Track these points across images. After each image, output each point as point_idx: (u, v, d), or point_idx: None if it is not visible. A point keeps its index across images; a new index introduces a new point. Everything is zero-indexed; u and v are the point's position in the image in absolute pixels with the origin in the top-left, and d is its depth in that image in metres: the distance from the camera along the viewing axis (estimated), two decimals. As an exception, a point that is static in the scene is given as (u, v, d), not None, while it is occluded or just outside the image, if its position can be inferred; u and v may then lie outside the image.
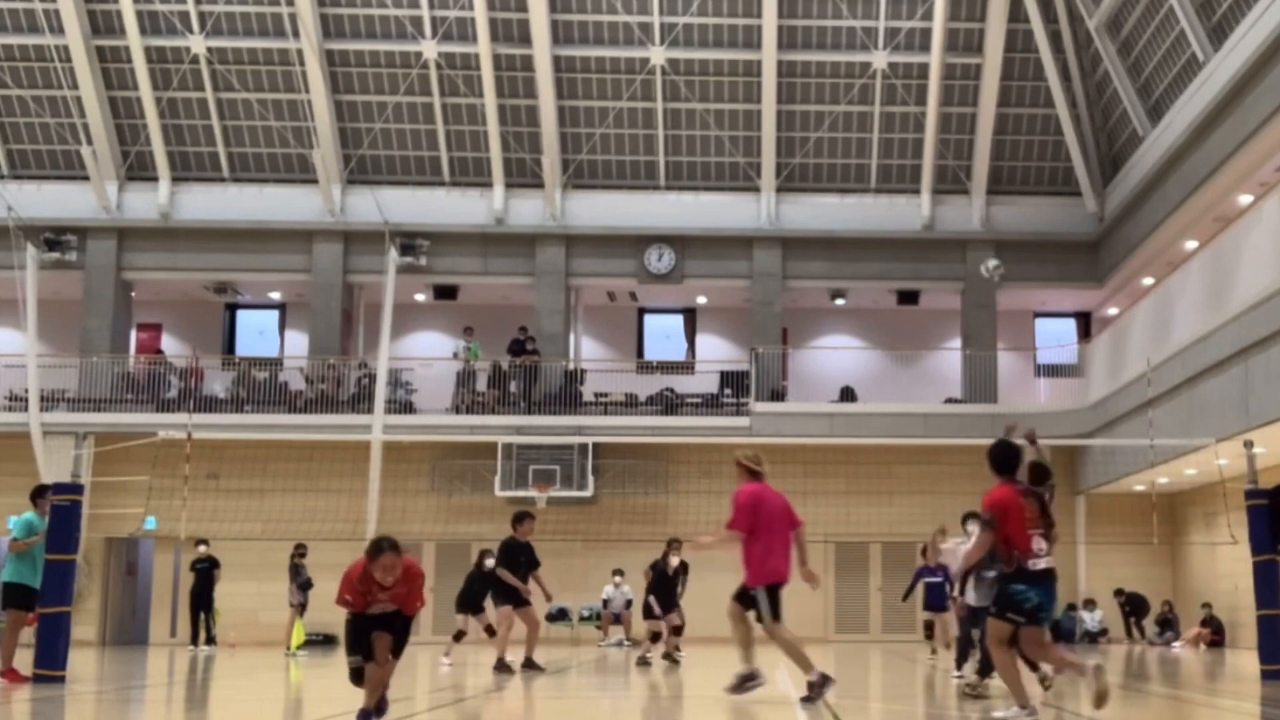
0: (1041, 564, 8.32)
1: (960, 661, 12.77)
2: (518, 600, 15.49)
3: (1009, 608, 8.35)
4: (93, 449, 22.75)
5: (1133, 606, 26.37)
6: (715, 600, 25.06)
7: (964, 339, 28.70)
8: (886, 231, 28.63)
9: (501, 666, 14.83)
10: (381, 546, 7.88)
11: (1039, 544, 8.35)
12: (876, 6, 27.23)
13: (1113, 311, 28.35)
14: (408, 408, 27.51)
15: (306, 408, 27.17)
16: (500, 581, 15.64)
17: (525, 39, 27.37)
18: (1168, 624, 25.61)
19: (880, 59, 27.54)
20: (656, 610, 17.73)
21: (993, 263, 16.46)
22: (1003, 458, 8.62)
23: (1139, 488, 24.86)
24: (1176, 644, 24.54)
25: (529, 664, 15.10)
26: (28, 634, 14.09)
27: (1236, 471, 17.41)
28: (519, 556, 15.61)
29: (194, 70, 27.90)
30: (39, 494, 13.69)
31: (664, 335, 30.87)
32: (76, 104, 27.90)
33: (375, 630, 8.09)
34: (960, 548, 14.28)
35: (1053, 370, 29.00)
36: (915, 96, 27.96)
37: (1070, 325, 30.81)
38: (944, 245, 28.70)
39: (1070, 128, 27.57)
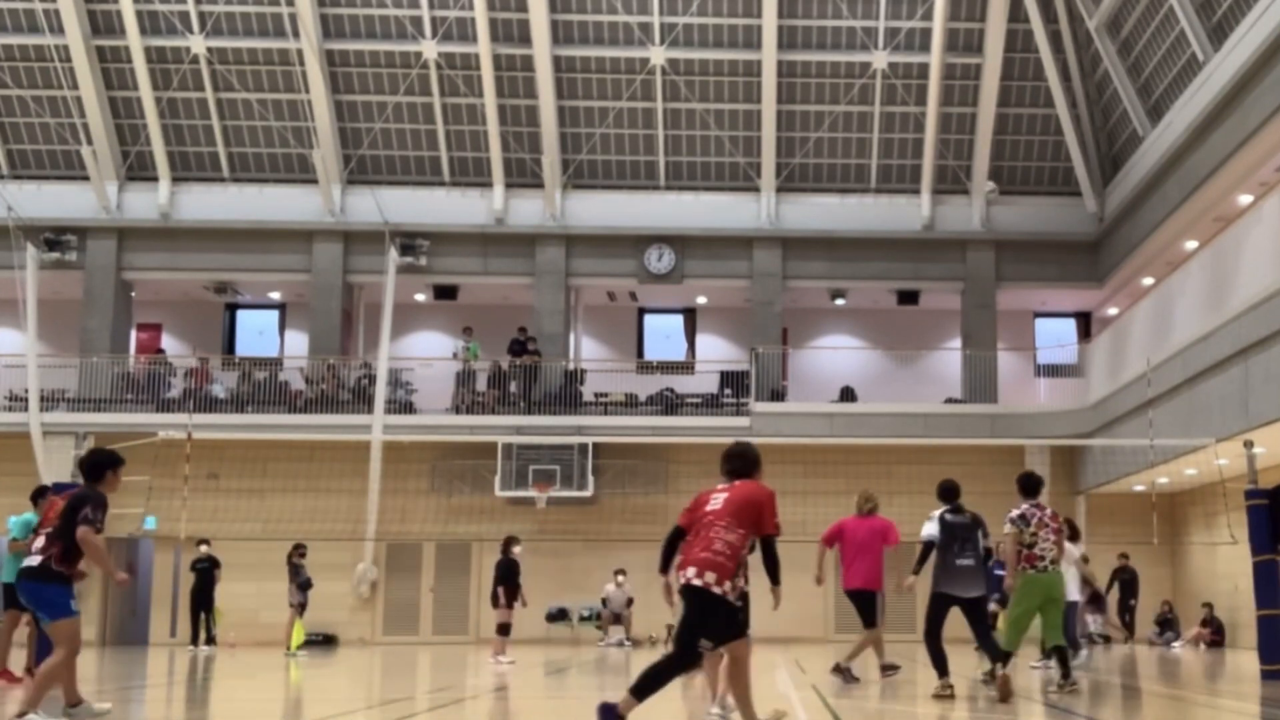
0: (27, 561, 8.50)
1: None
2: None
3: None
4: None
5: (1125, 589, 25.44)
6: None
7: (964, 339, 28.70)
8: (886, 231, 28.63)
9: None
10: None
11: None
12: (876, 6, 27.23)
13: (1113, 311, 28.35)
14: (408, 408, 27.51)
15: (306, 408, 27.16)
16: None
17: (525, 39, 27.37)
18: (1168, 624, 25.58)
19: (880, 59, 27.54)
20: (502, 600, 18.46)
21: (989, 185, 17.20)
22: None
23: (1139, 488, 24.85)
24: (1177, 644, 24.54)
25: None
26: (25, 635, 14.09)
27: (1236, 471, 17.42)
28: None
29: (194, 70, 27.89)
30: (39, 495, 13.69)
31: (664, 335, 30.87)
32: (76, 104, 27.90)
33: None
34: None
35: (1053, 370, 28.99)
36: (915, 96, 27.96)
37: (1070, 325, 30.81)
38: (944, 245, 28.71)
39: (1070, 128, 27.57)
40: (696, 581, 7.02)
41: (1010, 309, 29.32)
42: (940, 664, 11.05)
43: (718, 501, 7.19)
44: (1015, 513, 11.72)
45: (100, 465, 8.57)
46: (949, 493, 11.90)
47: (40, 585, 8.28)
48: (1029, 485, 12.04)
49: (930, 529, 11.77)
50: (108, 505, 8.40)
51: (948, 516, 11.64)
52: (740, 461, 7.43)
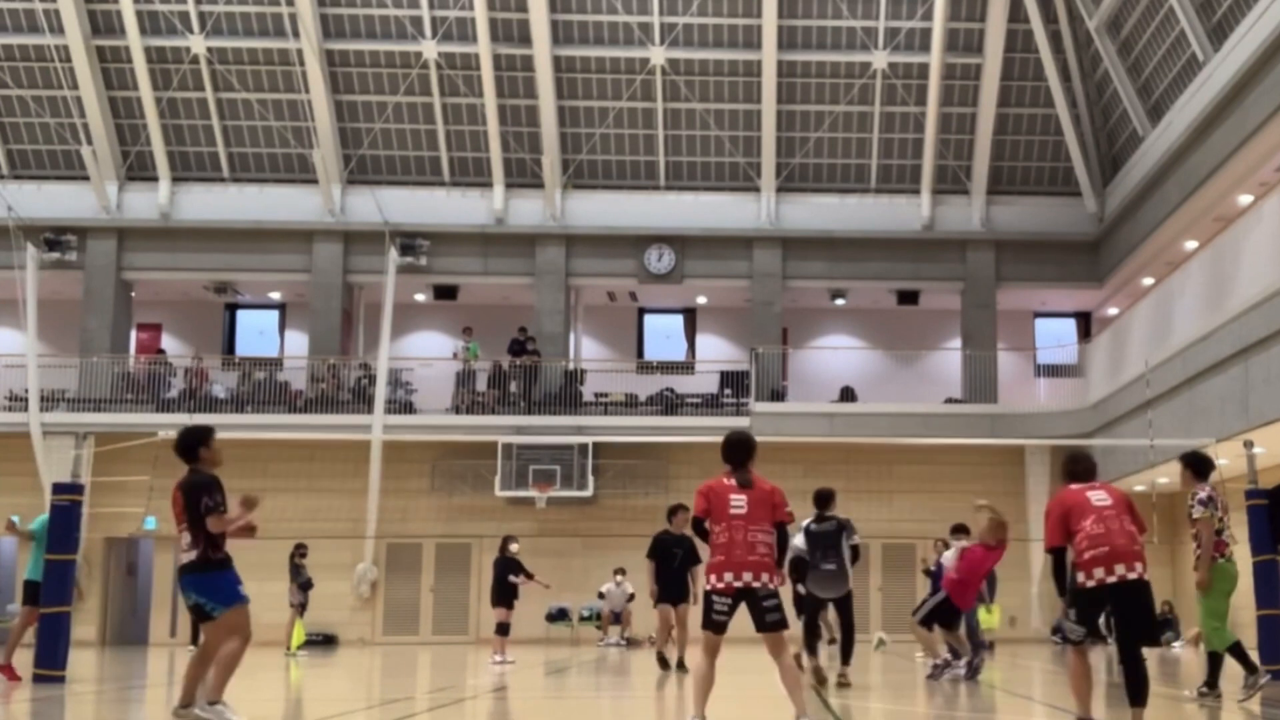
0: None
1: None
2: (667, 597, 15.13)
3: None
4: (93, 449, 22.75)
5: None
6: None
7: (964, 339, 28.71)
8: (886, 231, 28.63)
9: (663, 663, 14.89)
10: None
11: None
12: (876, 6, 27.24)
13: (1113, 311, 28.35)
14: (408, 408, 27.51)
15: (306, 408, 27.17)
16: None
17: (525, 39, 27.38)
18: (1167, 624, 25.59)
19: (880, 59, 27.54)
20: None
21: (878, 636, 20.19)
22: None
23: (1139, 488, 24.84)
24: (1177, 644, 24.54)
25: (681, 664, 14.81)
26: (28, 634, 14.11)
27: (1236, 471, 17.39)
28: (673, 549, 15.20)
29: (194, 70, 27.90)
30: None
31: (664, 335, 30.87)
32: (76, 104, 27.90)
33: None
34: (947, 556, 14.81)
35: (1053, 370, 28.98)
36: (915, 96, 27.97)
37: (1070, 325, 30.81)
38: (944, 245, 28.71)
39: (1070, 128, 27.58)
40: (1131, 575, 7.42)
41: (1010, 309, 29.33)
42: (811, 646, 12.64)
43: (1105, 497, 7.66)
44: (1204, 494, 10.54)
45: (190, 446, 8.58)
46: (819, 501, 12.57)
47: (206, 576, 8.24)
48: (1202, 467, 10.69)
49: (798, 542, 12.37)
50: (221, 485, 8.40)
51: (812, 526, 12.36)
52: None
